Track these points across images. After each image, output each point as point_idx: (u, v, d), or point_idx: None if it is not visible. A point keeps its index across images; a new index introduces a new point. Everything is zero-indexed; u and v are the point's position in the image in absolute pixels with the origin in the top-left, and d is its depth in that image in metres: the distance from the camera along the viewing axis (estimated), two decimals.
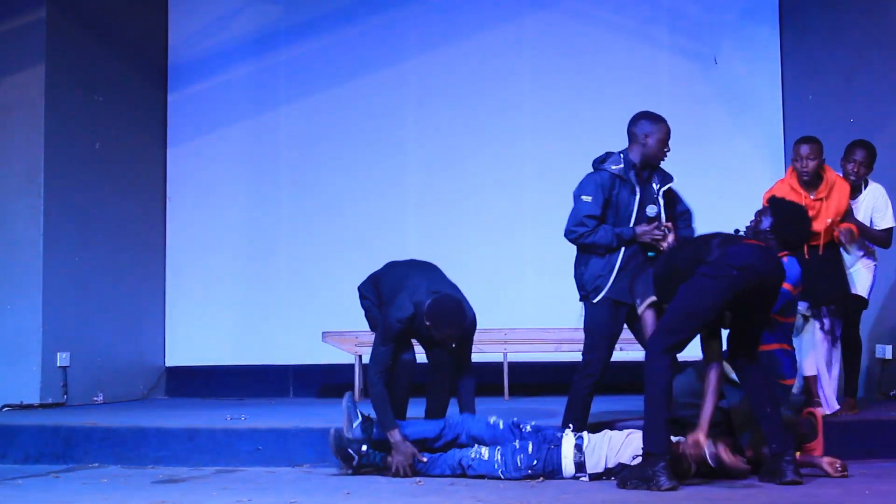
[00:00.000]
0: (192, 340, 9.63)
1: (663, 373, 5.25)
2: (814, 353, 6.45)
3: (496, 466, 5.65)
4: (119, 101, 9.15)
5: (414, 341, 6.19)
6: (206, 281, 9.66)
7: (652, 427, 5.26)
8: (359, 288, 6.41)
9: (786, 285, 5.60)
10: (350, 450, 5.85)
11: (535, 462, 5.61)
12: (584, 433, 5.71)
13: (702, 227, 6.02)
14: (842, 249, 6.63)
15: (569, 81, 9.43)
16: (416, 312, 5.87)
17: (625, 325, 5.99)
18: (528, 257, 9.30)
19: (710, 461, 5.26)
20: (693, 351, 5.58)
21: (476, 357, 6.26)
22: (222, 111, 9.80)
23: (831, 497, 4.95)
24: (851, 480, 5.40)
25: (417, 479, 5.68)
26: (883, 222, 6.74)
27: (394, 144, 9.58)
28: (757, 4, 9.42)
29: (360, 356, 8.58)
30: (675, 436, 5.43)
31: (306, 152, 9.71)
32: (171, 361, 9.68)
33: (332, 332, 8.78)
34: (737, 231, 5.82)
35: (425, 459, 5.76)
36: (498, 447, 5.71)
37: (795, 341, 6.11)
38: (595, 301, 5.95)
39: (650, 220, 5.93)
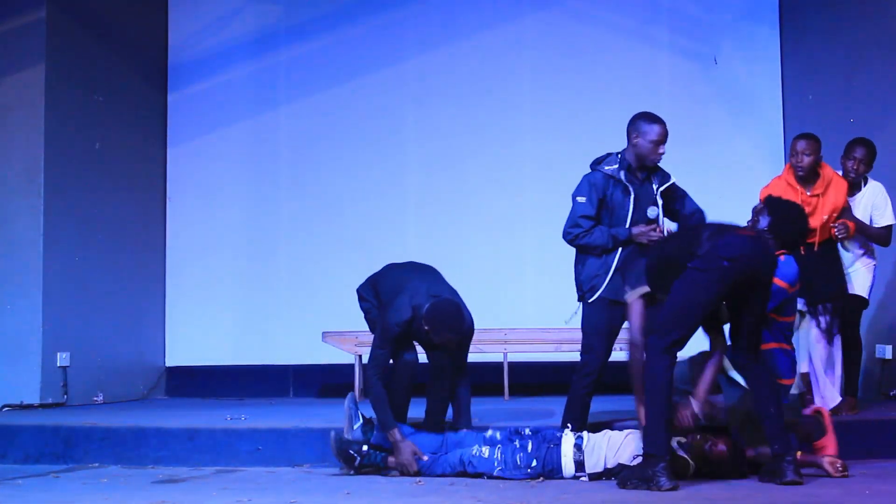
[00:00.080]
0: (192, 340, 9.63)
1: (663, 373, 5.25)
2: (807, 350, 6.46)
3: (496, 465, 5.66)
4: (119, 101, 9.15)
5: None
6: (206, 281, 9.66)
7: (652, 428, 5.26)
8: (357, 290, 6.41)
9: (783, 283, 5.61)
10: (351, 451, 5.86)
11: (535, 461, 5.62)
12: (584, 433, 5.72)
13: None
14: (839, 246, 6.63)
15: (569, 81, 9.43)
16: (415, 316, 5.88)
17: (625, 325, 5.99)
18: (528, 257, 9.30)
19: (700, 417, 5.32)
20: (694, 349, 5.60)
21: (476, 357, 6.28)
22: (222, 111, 9.80)
23: (831, 497, 4.95)
24: (851, 480, 5.40)
25: (418, 479, 5.68)
26: (882, 220, 6.75)
27: (394, 144, 9.58)
28: (757, 4, 9.42)
29: (360, 356, 8.57)
30: (675, 436, 5.44)
31: (306, 152, 9.72)
32: (171, 361, 9.68)
33: (332, 332, 8.78)
34: None
35: (426, 457, 5.77)
36: (498, 445, 5.73)
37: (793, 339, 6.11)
38: (591, 301, 5.97)
39: (650, 222, 5.93)
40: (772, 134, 9.15)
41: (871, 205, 6.75)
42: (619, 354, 6.15)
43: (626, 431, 5.69)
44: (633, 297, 5.59)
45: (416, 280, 6.06)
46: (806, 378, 6.51)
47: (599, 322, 5.92)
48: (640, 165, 5.98)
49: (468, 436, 5.90)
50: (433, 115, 9.58)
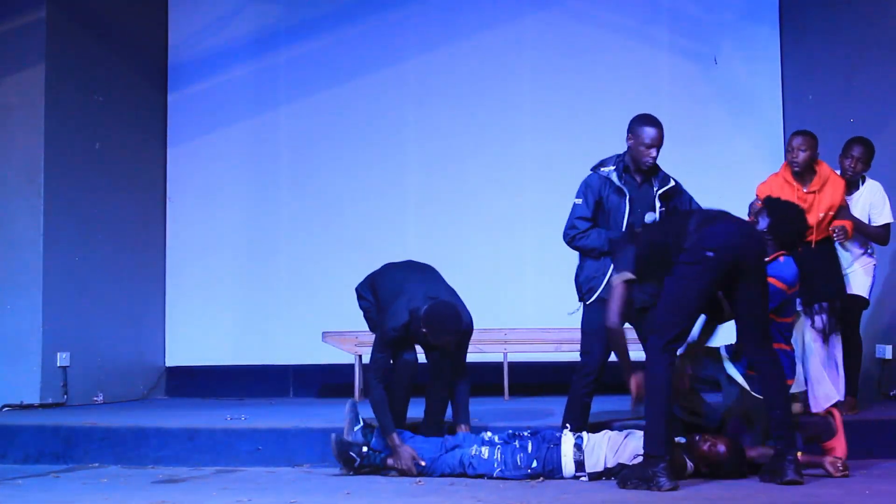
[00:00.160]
0: (192, 340, 9.63)
1: (662, 372, 5.25)
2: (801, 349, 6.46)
3: (496, 465, 5.66)
4: (119, 101, 9.14)
5: None
6: (206, 281, 9.65)
7: (652, 428, 5.25)
8: (356, 289, 6.41)
9: (781, 285, 5.62)
10: (351, 452, 5.86)
11: (535, 461, 5.62)
12: (584, 433, 5.72)
13: None
14: (837, 244, 6.63)
15: (569, 81, 9.43)
16: (412, 318, 5.88)
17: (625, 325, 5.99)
18: (528, 257, 9.30)
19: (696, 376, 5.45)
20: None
21: (476, 357, 6.28)
22: (222, 111, 9.79)
23: (831, 497, 4.95)
24: (852, 480, 5.40)
25: (418, 479, 5.69)
26: (881, 218, 6.75)
27: (394, 144, 9.58)
28: (757, 4, 9.42)
29: (360, 356, 8.57)
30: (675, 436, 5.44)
31: (306, 152, 9.71)
32: (171, 361, 9.68)
33: (332, 332, 8.78)
34: None
35: (424, 463, 5.77)
36: (498, 446, 5.73)
37: None
38: (589, 303, 5.99)
39: None
40: (772, 134, 9.14)
41: (870, 203, 6.76)
42: None
43: (625, 431, 5.70)
44: (617, 281, 5.55)
45: (413, 282, 6.06)
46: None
47: (597, 323, 5.91)
48: (635, 168, 5.99)
49: (467, 438, 5.91)
50: (433, 115, 9.57)
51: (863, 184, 6.80)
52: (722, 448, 5.47)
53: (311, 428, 6.42)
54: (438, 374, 6.17)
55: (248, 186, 9.77)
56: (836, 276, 6.62)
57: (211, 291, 9.64)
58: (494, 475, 5.65)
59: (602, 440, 5.64)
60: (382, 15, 9.67)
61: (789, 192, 6.45)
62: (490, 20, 9.59)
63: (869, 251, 6.80)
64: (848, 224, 6.55)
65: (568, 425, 5.84)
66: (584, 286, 6.03)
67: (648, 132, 5.92)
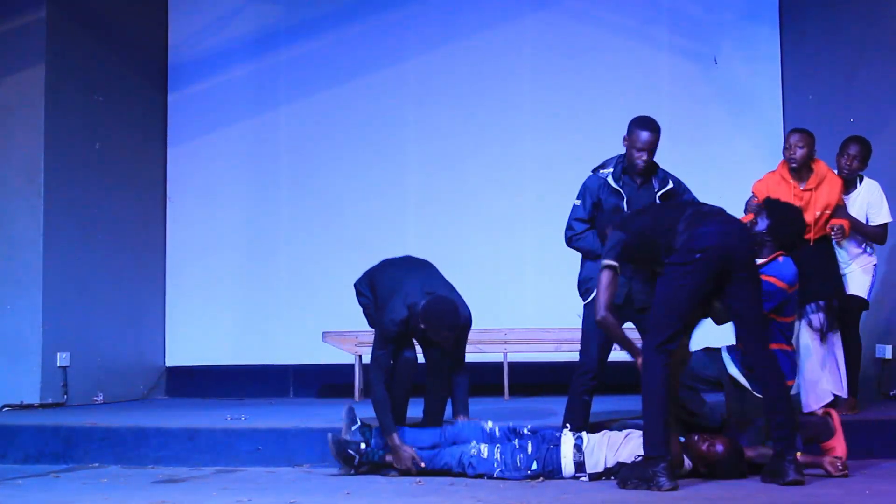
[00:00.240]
0: (192, 340, 9.62)
1: (658, 372, 5.25)
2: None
3: (496, 465, 5.66)
4: (119, 101, 9.14)
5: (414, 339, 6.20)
6: (206, 281, 9.65)
7: (651, 428, 5.25)
8: (355, 285, 6.42)
9: (781, 284, 5.62)
10: (350, 450, 5.86)
11: (535, 461, 5.62)
12: (584, 433, 5.72)
13: None
14: (835, 244, 6.62)
15: (569, 81, 9.43)
16: (411, 314, 5.88)
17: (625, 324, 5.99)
18: (528, 257, 9.30)
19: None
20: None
21: (476, 357, 6.28)
22: (222, 111, 9.79)
23: (832, 497, 4.95)
24: (852, 480, 5.40)
25: (418, 479, 5.68)
26: (878, 218, 6.74)
27: (394, 144, 9.58)
28: (757, 4, 9.42)
29: (360, 356, 8.58)
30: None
31: (306, 152, 9.71)
32: (171, 361, 9.68)
33: (332, 332, 8.78)
34: None
35: (423, 464, 5.76)
36: (497, 445, 5.72)
37: None
38: (586, 303, 6.00)
39: None
40: (772, 134, 9.13)
41: (867, 203, 6.74)
42: (619, 354, 6.15)
43: (625, 431, 5.70)
44: (601, 268, 5.48)
45: (411, 278, 6.06)
46: None
47: (591, 323, 5.91)
48: (632, 170, 6.00)
49: (466, 426, 5.90)
50: (433, 115, 9.57)
51: (860, 183, 6.79)
52: (720, 448, 5.47)
53: (311, 428, 6.42)
54: (437, 373, 6.17)
55: (248, 186, 9.77)
56: (833, 275, 6.60)
57: (211, 291, 9.64)
58: (494, 475, 5.65)
59: (602, 440, 5.64)
60: (382, 15, 9.67)
61: (785, 189, 6.44)
62: (490, 20, 9.59)
63: (868, 250, 6.78)
64: (846, 223, 6.54)
65: (568, 425, 5.84)
66: (581, 286, 6.07)
67: (641, 135, 5.93)
